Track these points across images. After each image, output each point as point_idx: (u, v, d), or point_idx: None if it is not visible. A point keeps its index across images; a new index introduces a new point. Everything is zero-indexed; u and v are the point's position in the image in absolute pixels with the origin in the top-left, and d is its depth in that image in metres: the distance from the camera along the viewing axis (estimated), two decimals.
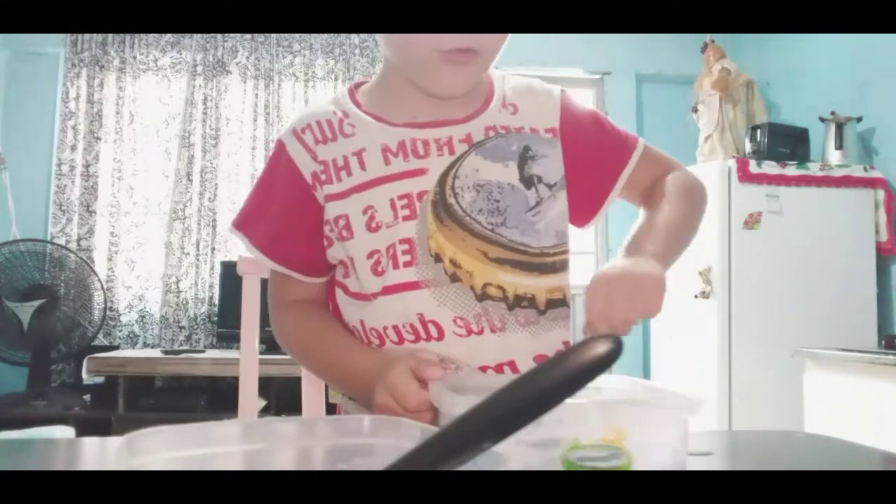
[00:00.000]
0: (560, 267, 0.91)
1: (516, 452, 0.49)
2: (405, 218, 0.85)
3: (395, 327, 0.86)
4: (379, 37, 0.91)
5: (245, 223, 0.92)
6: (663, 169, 0.98)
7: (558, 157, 0.92)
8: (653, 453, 0.54)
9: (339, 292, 0.92)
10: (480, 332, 0.85)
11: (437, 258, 0.85)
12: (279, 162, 0.91)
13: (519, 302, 0.87)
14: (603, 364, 0.37)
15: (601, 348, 0.37)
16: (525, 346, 0.87)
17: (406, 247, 0.85)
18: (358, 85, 0.96)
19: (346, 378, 0.88)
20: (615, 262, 0.83)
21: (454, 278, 0.85)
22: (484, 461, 0.40)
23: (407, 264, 0.85)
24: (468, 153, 0.88)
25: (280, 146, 0.92)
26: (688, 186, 0.96)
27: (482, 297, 0.85)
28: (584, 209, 0.97)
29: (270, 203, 0.92)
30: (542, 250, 0.89)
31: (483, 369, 0.85)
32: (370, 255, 0.86)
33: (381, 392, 0.76)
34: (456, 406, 0.55)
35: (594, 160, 0.95)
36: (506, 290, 0.86)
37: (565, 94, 0.97)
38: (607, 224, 3.69)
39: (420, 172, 0.86)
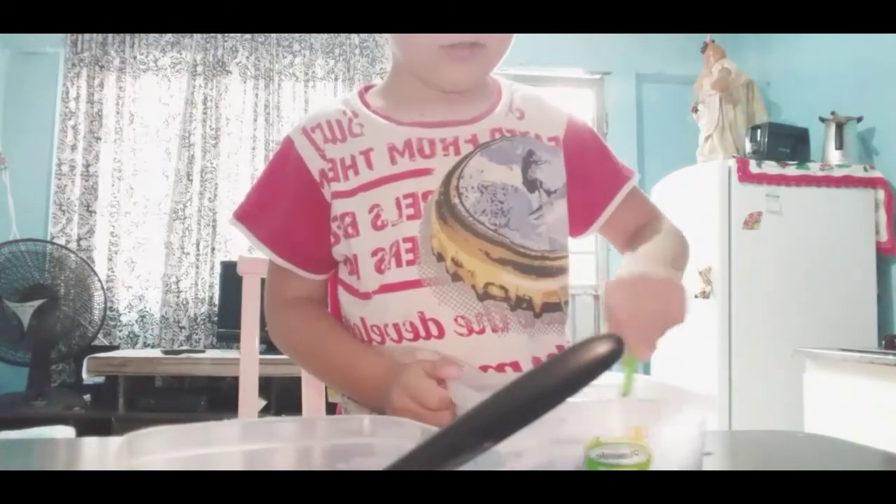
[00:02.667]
0: (558, 271, 0.91)
1: (537, 449, 0.49)
2: (410, 217, 0.85)
3: (395, 325, 0.86)
4: (384, 34, 0.91)
5: (249, 217, 0.92)
6: (649, 214, 1.00)
7: (560, 165, 0.93)
8: (671, 452, 0.54)
9: (341, 290, 0.92)
10: (482, 332, 0.85)
11: (440, 257, 0.85)
12: (287, 158, 0.91)
13: (520, 303, 0.87)
14: (603, 364, 0.37)
15: (602, 348, 0.37)
16: (526, 348, 0.87)
17: (409, 245, 0.85)
18: (368, 88, 0.97)
19: (353, 382, 0.88)
20: (629, 269, 0.80)
21: (455, 277, 0.85)
22: (484, 461, 0.40)
23: (410, 262, 0.85)
24: (473, 154, 0.88)
25: (288, 143, 0.92)
26: (679, 233, 0.96)
27: (484, 296, 0.85)
28: (581, 220, 0.97)
29: (277, 199, 0.92)
30: (543, 254, 0.89)
31: (483, 369, 0.85)
32: (374, 253, 0.86)
33: (399, 395, 0.75)
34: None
35: (595, 174, 0.97)
36: (508, 291, 0.86)
37: (573, 114, 0.99)
38: None
39: (426, 172, 0.86)
